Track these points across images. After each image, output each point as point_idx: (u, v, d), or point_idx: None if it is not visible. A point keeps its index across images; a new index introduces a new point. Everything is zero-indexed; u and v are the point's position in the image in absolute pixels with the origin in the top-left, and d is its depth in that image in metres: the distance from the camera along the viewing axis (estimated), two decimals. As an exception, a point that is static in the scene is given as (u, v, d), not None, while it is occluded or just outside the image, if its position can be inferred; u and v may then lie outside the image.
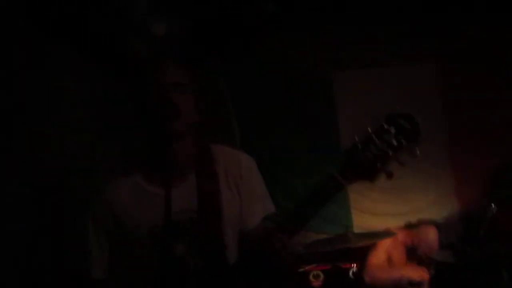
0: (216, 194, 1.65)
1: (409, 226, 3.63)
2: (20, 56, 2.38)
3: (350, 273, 3.58)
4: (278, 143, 4.10)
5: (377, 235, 3.43)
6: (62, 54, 2.69)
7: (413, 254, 3.43)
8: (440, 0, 3.76)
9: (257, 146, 3.87)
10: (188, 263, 1.60)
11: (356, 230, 4.00)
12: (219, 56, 3.67)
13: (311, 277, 3.61)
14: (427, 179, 3.98)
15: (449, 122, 3.99)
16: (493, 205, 2.85)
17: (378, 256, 3.56)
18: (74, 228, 2.42)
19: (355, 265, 3.70)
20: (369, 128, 1.50)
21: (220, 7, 3.42)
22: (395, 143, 1.44)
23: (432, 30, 3.79)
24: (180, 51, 3.27)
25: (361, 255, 3.65)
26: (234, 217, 1.68)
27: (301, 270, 3.61)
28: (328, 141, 4.07)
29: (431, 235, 3.46)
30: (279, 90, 4.08)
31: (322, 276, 3.63)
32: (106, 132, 2.90)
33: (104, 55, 2.84)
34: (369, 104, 4.00)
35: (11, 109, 2.29)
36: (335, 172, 1.49)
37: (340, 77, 4.07)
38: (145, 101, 1.62)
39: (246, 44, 3.72)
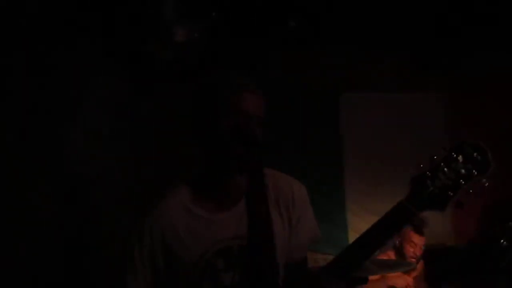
0: (267, 220, 1.57)
1: None
2: (45, 56, 2.29)
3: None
4: (278, 158, 4.06)
5: (397, 266, 3.36)
6: (88, 56, 2.62)
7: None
8: (451, 35, 3.85)
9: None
10: None
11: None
12: (233, 68, 3.64)
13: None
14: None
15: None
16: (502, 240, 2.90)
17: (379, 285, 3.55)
18: (97, 237, 2.35)
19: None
20: (435, 156, 1.49)
21: (239, 20, 3.41)
22: (463, 172, 1.44)
23: (442, 62, 3.87)
24: (196, 60, 3.24)
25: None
26: (283, 246, 1.60)
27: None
28: (330, 160, 4.08)
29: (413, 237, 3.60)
30: (285, 105, 4.07)
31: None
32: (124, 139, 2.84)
33: (129, 59, 2.79)
34: (373, 126, 4.07)
35: (32, 110, 2.20)
36: (404, 200, 1.46)
37: (347, 98, 4.10)
38: (221, 126, 1.52)
39: (260, 58, 3.70)
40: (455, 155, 1.45)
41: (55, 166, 2.26)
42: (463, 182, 1.43)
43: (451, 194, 1.43)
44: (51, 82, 2.35)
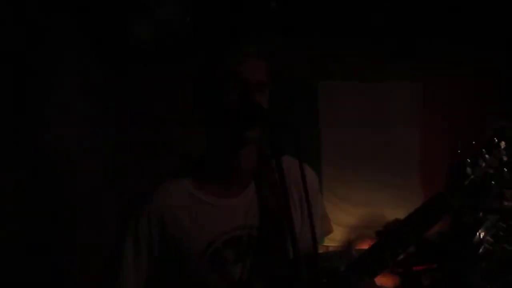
0: (278, 208, 1.44)
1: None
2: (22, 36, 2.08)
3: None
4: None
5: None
6: (64, 36, 2.41)
7: None
8: (425, 24, 3.85)
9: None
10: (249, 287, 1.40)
11: (328, 242, 3.97)
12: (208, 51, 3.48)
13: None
14: (398, 195, 4.03)
15: (423, 141, 4.11)
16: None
17: None
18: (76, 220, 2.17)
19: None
20: (474, 142, 1.42)
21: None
22: (505, 159, 1.37)
23: (418, 53, 3.87)
24: (174, 42, 3.07)
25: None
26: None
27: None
28: (307, 147, 4.00)
29: None
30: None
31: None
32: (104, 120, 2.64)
33: (106, 38, 2.59)
34: (351, 115, 4.04)
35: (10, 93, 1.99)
36: (442, 191, 1.38)
37: (325, 86, 4.04)
38: (221, 98, 1.38)
39: (239, 42, 3.55)
40: (497, 141, 1.39)
41: (25, 149, 2.05)
42: (506, 170, 1.36)
43: (494, 184, 1.36)
44: (23, 62, 2.13)
